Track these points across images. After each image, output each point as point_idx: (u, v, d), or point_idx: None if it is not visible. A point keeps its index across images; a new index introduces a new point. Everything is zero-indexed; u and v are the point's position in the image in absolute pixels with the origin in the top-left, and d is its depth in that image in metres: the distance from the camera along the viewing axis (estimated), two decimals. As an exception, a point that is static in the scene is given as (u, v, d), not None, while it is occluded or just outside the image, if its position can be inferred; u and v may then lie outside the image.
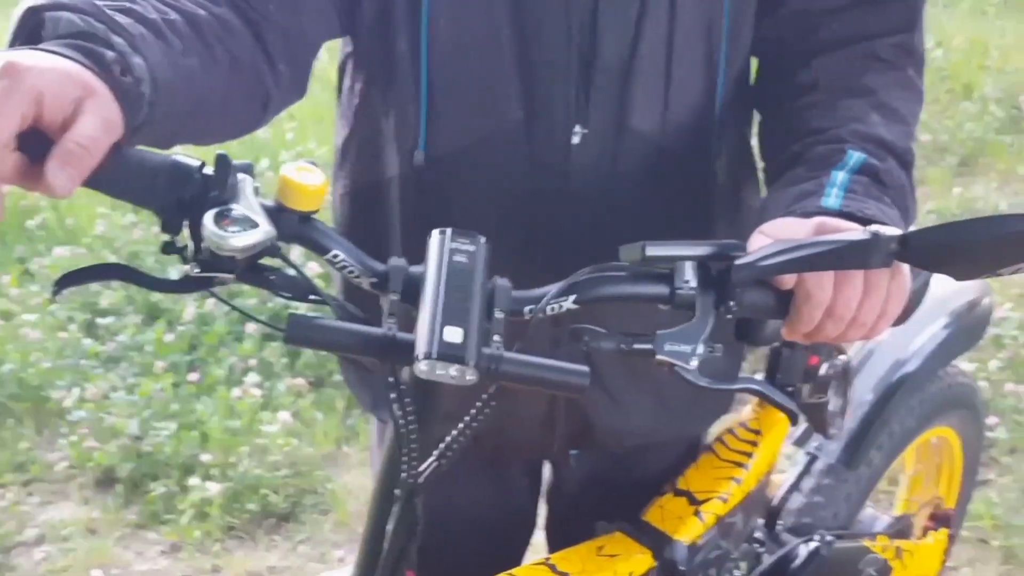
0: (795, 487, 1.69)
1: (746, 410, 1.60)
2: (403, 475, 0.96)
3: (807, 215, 1.03)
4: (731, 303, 0.95)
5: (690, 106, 1.20)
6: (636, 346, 0.94)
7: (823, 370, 1.55)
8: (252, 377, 3.16)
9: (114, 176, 0.86)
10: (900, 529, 1.82)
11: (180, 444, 2.95)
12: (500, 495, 1.50)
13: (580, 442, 1.38)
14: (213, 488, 2.79)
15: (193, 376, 3.23)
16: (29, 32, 0.87)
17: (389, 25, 1.16)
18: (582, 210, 1.19)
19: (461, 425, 0.94)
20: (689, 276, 0.94)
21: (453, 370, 0.82)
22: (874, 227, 0.93)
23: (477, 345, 0.83)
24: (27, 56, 0.79)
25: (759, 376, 1.55)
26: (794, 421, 1.04)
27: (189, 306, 3.49)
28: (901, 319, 1.57)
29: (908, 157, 1.13)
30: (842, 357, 1.57)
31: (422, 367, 0.82)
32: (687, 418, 1.42)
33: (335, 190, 1.32)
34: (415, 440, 0.93)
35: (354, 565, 1.08)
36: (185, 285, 0.90)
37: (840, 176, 1.07)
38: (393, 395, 0.91)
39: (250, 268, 0.89)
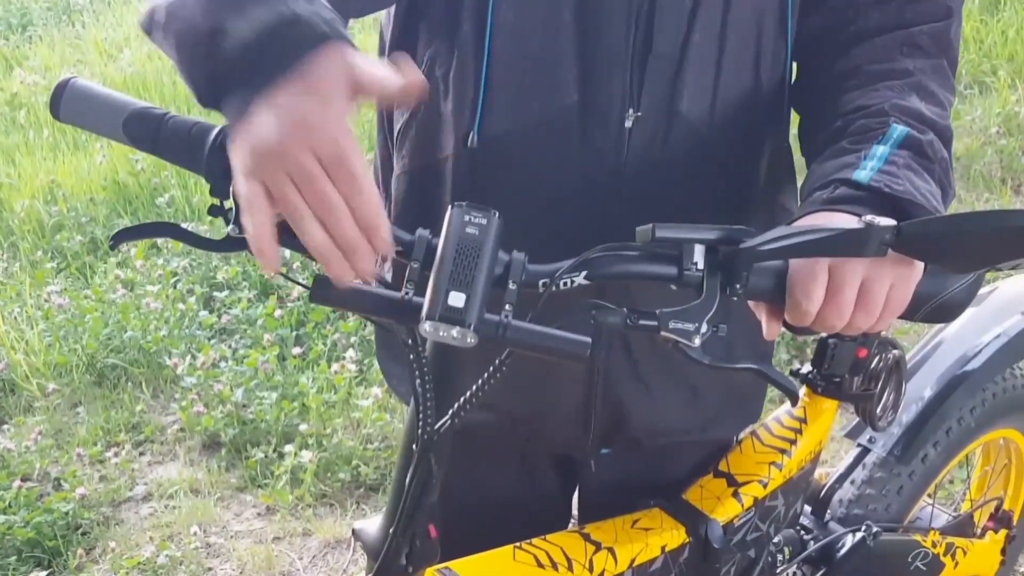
0: (845, 478, 1.70)
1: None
2: (419, 431, 1.03)
3: (836, 188, 1.06)
4: (736, 286, 0.99)
5: (737, 98, 1.23)
6: (642, 322, 0.98)
7: (873, 363, 1.56)
8: (351, 354, 3.28)
9: (170, 143, 0.96)
10: (959, 527, 1.81)
11: (280, 413, 3.10)
12: (531, 485, 1.53)
13: (614, 437, 1.40)
14: (308, 456, 2.92)
15: (297, 350, 3.37)
16: None
17: (458, 8, 1.21)
18: (630, 196, 1.22)
19: (475, 387, 1.00)
20: (698, 258, 0.98)
21: (455, 332, 0.89)
22: (868, 217, 0.95)
23: (479, 310, 0.89)
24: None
25: (806, 367, 1.57)
26: (793, 401, 1.07)
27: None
28: (948, 317, 1.58)
29: (948, 134, 1.14)
30: (895, 351, 1.58)
31: (426, 327, 0.89)
32: (717, 419, 1.44)
33: (394, 171, 1.36)
34: (431, 399, 1.00)
35: (382, 515, 1.15)
36: (225, 245, 0.98)
37: (881, 150, 1.08)
38: (412, 356, 0.98)
39: (285, 232, 0.97)
